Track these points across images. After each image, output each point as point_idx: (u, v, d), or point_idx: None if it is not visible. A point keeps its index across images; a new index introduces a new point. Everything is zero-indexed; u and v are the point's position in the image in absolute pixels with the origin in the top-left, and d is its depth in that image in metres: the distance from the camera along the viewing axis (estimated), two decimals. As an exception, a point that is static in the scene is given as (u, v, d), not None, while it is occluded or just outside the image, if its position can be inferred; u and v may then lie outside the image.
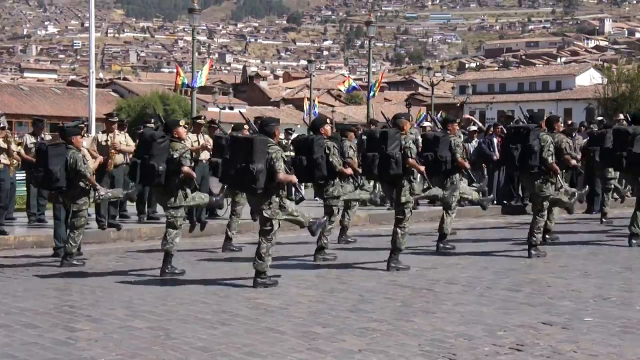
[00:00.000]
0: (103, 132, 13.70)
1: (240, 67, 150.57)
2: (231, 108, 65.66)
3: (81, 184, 10.29)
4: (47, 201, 13.27)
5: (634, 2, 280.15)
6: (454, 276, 9.25)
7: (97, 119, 18.45)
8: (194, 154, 13.75)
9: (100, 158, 12.80)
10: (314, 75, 51.68)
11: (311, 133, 10.69)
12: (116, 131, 13.58)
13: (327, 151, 10.30)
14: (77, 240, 10.42)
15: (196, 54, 30.15)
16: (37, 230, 13.14)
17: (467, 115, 23.64)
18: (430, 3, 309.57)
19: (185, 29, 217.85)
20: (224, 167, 9.36)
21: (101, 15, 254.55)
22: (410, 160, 9.71)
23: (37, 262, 10.78)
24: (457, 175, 11.35)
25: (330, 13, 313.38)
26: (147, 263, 10.62)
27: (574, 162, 11.58)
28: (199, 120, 14.89)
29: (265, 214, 8.60)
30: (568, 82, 75.95)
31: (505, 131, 17.59)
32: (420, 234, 13.06)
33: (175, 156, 9.32)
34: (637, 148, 11.21)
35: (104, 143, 13.29)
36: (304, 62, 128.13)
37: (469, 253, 11.15)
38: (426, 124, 20.36)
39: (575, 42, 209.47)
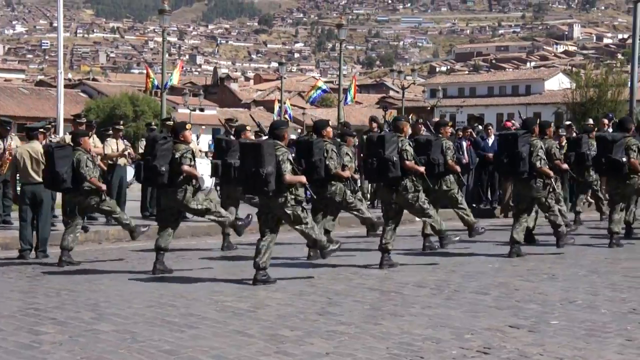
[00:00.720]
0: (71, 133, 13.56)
1: (211, 68, 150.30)
2: (202, 110, 65.47)
3: (85, 185, 10.53)
4: (12, 202, 13.11)
5: (602, 8, 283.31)
6: (423, 279, 9.27)
7: (65, 120, 18.28)
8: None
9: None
10: (285, 78, 51.70)
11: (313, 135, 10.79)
12: (84, 132, 13.44)
13: (326, 154, 10.45)
14: (127, 219, 10.95)
15: (166, 55, 29.98)
16: (2, 232, 12.98)
17: (435, 119, 23.69)
18: (401, 7, 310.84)
19: (156, 30, 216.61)
20: (238, 171, 9.92)
21: (70, 15, 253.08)
22: (407, 163, 9.93)
23: (2, 263, 10.65)
24: (451, 177, 11.43)
25: (301, 15, 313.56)
26: (115, 265, 10.55)
27: (565, 166, 11.95)
28: (168, 122, 14.83)
29: (287, 211, 8.91)
30: (537, 86, 76.53)
31: (474, 135, 17.79)
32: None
33: (177, 156, 9.55)
34: (616, 154, 11.59)
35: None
36: (275, 64, 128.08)
37: (438, 254, 11.16)
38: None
39: (544, 47, 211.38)
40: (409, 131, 10.75)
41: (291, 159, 9.00)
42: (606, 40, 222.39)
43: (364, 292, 8.48)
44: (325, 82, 57.80)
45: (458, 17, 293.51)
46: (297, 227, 9.06)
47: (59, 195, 13.32)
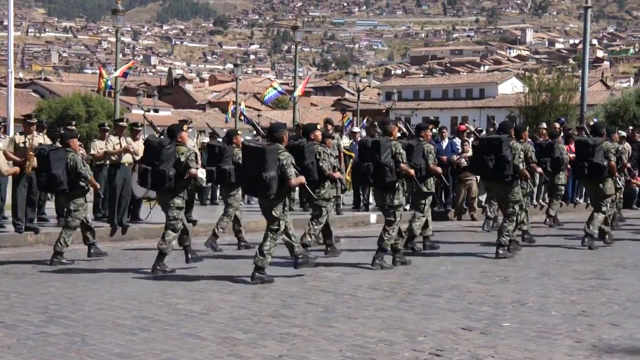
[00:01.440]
0: (21, 133, 13.32)
1: (166, 69, 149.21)
2: (156, 110, 65.01)
3: (81, 184, 10.76)
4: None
5: (554, 13, 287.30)
6: (376, 281, 9.29)
7: (16, 120, 17.98)
8: (115, 157, 13.62)
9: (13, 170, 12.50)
10: (240, 79, 51.51)
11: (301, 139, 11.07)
12: (35, 133, 13.25)
13: (318, 156, 10.76)
14: (68, 241, 10.75)
15: (120, 55, 29.66)
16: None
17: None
18: (357, 9, 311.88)
19: (109, 30, 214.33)
20: (237, 173, 10.22)
21: (21, 13, 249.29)
22: (402, 165, 10.15)
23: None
24: (431, 180, 11.58)
25: (257, 17, 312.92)
26: (65, 267, 10.40)
27: (539, 169, 12.43)
28: (121, 123, 14.67)
29: (274, 214, 9.17)
30: (491, 90, 77.34)
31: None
32: (348, 237, 13.09)
33: (182, 159, 9.74)
34: (597, 158, 11.95)
35: (21, 145, 12.92)
36: (230, 66, 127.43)
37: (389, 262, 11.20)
38: (356, 129, 20.47)
39: (498, 51, 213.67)
40: (398, 134, 10.89)
41: (293, 162, 9.19)
42: (558, 45, 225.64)
43: (318, 295, 8.47)
44: (281, 83, 57.82)
45: (413, 21, 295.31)
46: (269, 228, 9.25)
47: (8, 196, 13.15)
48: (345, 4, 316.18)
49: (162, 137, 10.13)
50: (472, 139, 15.77)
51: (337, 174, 11.00)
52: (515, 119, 52.66)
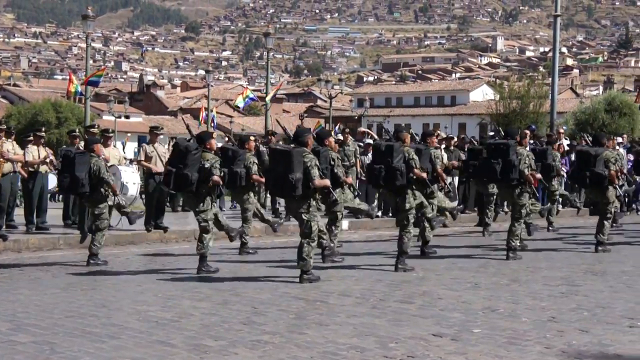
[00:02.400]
0: (-10, 139, 13.22)
1: (137, 75, 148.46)
2: (127, 117, 64.66)
3: (102, 189, 11.19)
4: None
5: (525, 21, 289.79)
6: (348, 288, 9.29)
7: (-16, 126, 17.79)
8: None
9: None
10: (212, 85, 51.44)
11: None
12: (3, 139, 13.12)
13: (332, 162, 11.00)
14: (101, 242, 11.20)
15: (90, 61, 29.45)
16: None
17: (362, 129, 23.84)
18: (329, 16, 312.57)
19: (80, 36, 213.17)
20: (265, 175, 10.55)
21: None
22: (415, 170, 10.60)
23: None
24: (435, 185, 11.93)
25: (229, 23, 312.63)
26: (34, 274, 10.31)
27: (538, 175, 12.66)
28: (92, 129, 14.58)
29: (304, 217, 9.55)
30: (462, 97, 77.78)
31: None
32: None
33: (206, 166, 10.14)
34: (598, 168, 12.38)
35: (-10, 151, 12.81)
36: (202, 72, 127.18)
37: (363, 265, 11.22)
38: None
39: (469, 59, 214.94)
40: (409, 141, 11.24)
41: (317, 164, 9.58)
42: (528, 53, 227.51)
43: (289, 301, 8.45)
44: (253, 90, 57.67)
45: (385, 28, 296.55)
46: (303, 233, 9.61)
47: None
48: (317, 11, 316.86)
49: (190, 142, 10.47)
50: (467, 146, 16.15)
51: (349, 179, 11.21)
52: (486, 126, 53.05)
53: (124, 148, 39.18)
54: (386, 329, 7.11)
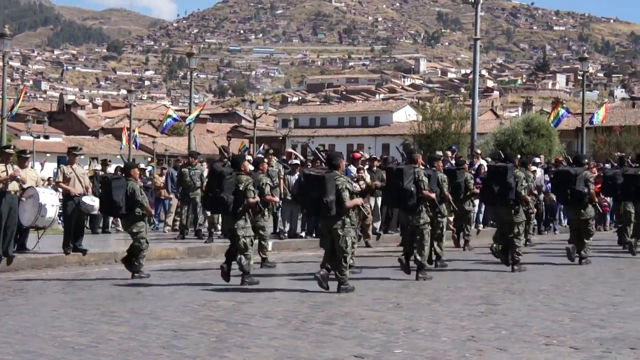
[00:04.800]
0: None
1: (57, 94, 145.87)
2: (46, 137, 63.39)
3: (137, 211, 11.93)
4: None
5: (446, 43, 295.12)
6: (270, 310, 9.23)
7: None
8: (1, 184, 13.14)
9: None
10: (134, 105, 50.81)
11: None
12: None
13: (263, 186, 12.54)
14: (144, 256, 12.10)
15: (8, 80, 28.80)
16: None
17: (289, 149, 23.89)
18: (253, 37, 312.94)
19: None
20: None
21: None
22: (423, 191, 11.60)
23: None
24: (443, 205, 12.89)
25: (152, 43, 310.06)
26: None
27: (531, 197, 13.70)
28: (7, 150, 14.20)
29: (340, 233, 10.42)
30: (386, 118, 78.50)
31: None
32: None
33: (240, 188, 11.03)
34: (578, 186, 13.38)
35: None
36: (124, 92, 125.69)
37: (286, 287, 11.18)
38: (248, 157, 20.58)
39: (392, 80, 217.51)
40: (422, 162, 12.33)
41: (349, 186, 10.53)
42: (450, 75, 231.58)
43: (211, 324, 8.35)
44: (177, 110, 57.30)
45: (309, 49, 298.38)
46: (340, 247, 10.42)
47: None
48: (241, 31, 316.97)
49: (225, 166, 11.64)
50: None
51: (359, 200, 11.37)
52: (409, 147, 53.62)
53: (42, 169, 38.39)
54: (308, 350, 7.07)
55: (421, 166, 12.19)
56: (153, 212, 12.74)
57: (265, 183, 12.87)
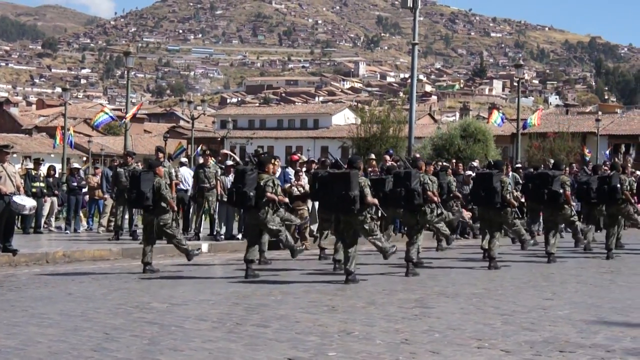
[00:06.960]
0: None
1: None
2: (-22, 134, 61.92)
3: (162, 204, 12.67)
4: None
5: (386, 48, 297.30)
6: (205, 312, 9.15)
7: None
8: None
9: None
10: (69, 104, 49.99)
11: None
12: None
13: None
14: (184, 242, 13.13)
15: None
16: None
17: (224, 150, 23.73)
18: (192, 37, 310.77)
19: None
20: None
21: None
22: (429, 192, 12.86)
23: None
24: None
25: (89, 41, 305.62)
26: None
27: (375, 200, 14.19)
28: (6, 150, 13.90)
29: (366, 227, 11.69)
30: (325, 120, 78.81)
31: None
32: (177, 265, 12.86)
33: (261, 184, 11.96)
34: (555, 187, 14.53)
35: None
36: (59, 90, 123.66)
37: (221, 289, 11.11)
38: (183, 159, 20.38)
39: (332, 83, 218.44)
40: (424, 167, 13.49)
41: (369, 184, 11.67)
42: (389, 79, 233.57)
43: (144, 327, 8.23)
44: (113, 109, 56.51)
45: (249, 50, 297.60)
46: (369, 238, 11.87)
47: None
48: (180, 31, 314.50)
49: (247, 165, 12.79)
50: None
51: (374, 200, 11.83)
52: (347, 150, 53.84)
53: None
54: (242, 353, 7.02)
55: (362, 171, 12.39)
56: (176, 207, 13.75)
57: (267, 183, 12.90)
